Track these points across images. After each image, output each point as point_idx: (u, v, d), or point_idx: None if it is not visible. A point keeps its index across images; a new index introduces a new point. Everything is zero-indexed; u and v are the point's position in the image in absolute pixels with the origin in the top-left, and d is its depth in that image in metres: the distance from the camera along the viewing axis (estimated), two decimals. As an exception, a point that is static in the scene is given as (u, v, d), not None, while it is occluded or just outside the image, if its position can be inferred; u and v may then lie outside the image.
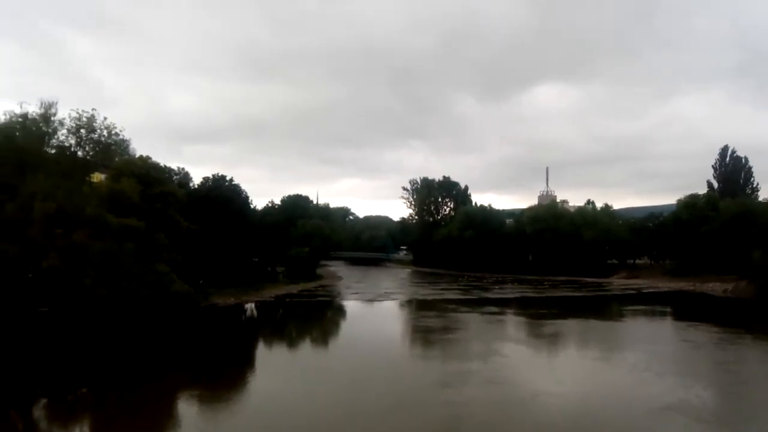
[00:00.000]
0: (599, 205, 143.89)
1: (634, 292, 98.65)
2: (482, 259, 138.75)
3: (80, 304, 43.78)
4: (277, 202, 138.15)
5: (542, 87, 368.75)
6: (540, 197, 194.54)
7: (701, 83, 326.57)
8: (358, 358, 41.54)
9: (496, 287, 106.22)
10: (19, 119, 48.94)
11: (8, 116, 49.11)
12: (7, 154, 45.98)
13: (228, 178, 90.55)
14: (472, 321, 61.06)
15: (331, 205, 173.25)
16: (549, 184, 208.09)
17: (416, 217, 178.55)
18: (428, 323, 59.73)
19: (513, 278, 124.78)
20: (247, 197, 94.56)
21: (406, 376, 35.62)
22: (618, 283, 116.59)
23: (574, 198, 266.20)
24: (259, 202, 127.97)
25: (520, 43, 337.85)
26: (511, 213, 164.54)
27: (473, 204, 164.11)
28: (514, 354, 43.01)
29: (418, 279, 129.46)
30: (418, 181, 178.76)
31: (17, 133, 47.95)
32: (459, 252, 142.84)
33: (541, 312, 68.53)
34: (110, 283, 45.69)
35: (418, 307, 76.50)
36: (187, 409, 30.34)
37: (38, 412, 29.67)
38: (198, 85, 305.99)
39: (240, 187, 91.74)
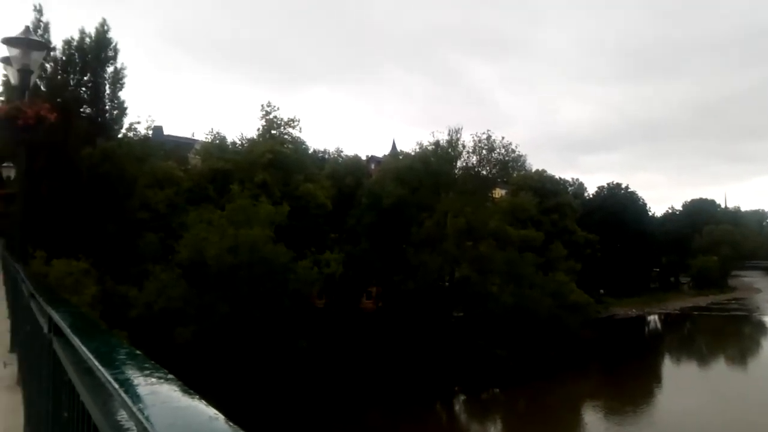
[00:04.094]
0: None
1: None
2: None
3: (487, 309, 47.75)
4: (678, 207, 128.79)
5: None
6: None
7: None
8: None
9: None
10: (432, 146, 55.92)
11: (422, 145, 56.65)
12: (424, 178, 53.01)
13: (623, 186, 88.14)
14: None
15: (743, 209, 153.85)
16: None
17: None
18: None
19: None
20: (644, 204, 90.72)
21: None
22: None
23: None
24: (658, 209, 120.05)
25: None
26: None
27: None
28: None
29: None
30: None
31: (432, 159, 54.84)
32: None
33: None
34: (513, 291, 48.84)
35: None
36: (592, 417, 30.60)
37: (458, 406, 33.42)
38: (589, 92, 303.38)
39: (636, 194, 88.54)
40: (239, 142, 49.52)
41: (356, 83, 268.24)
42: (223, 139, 48.71)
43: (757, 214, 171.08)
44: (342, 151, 61.32)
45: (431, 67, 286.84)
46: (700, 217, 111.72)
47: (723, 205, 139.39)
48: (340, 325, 41.81)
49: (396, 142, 79.18)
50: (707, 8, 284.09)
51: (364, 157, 65.60)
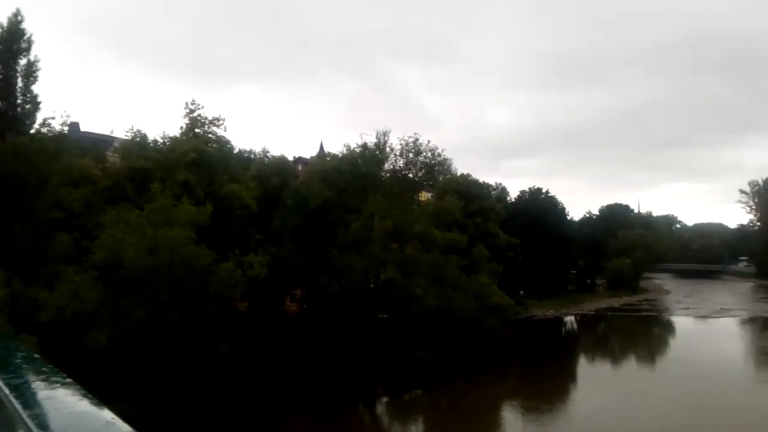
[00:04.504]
0: None
1: None
2: None
3: (412, 311, 48.26)
4: (595, 212, 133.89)
5: None
6: None
7: None
8: (690, 381, 38.22)
9: None
10: (359, 148, 56.03)
11: (350, 147, 56.66)
12: (352, 180, 53.05)
13: (544, 191, 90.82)
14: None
15: (654, 214, 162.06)
16: None
17: (758, 224, 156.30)
18: (779, 345, 51.99)
19: None
20: (563, 209, 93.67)
21: (751, 405, 31.72)
22: None
23: None
24: (576, 213, 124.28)
25: None
26: None
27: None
28: None
29: (763, 294, 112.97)
30: (760, 182, 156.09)
31: (359, 161, 54.93)
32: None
33: None
34: (437, 293, 49.53)
35: (765, 325, 66.95)
36: (511, 416, 31.45)
37: (381, 407, 33.61)
38: (514, 99, 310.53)
39: (556, 199, 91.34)
40: (161, 141, 48.00)
41: (284, 84, 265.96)
42: (144, 136, 47.07)
43: (667, 219, 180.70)
44: (268, 152, 60.47)
45: (361, 70, 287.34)
46: (616, 221, 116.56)
47: (636, 210, 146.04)
48: (263, 328, 41.27)
49: (324, 144, 78.88)
50: (623, 21, 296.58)
51: (291, 158, 65.02)
